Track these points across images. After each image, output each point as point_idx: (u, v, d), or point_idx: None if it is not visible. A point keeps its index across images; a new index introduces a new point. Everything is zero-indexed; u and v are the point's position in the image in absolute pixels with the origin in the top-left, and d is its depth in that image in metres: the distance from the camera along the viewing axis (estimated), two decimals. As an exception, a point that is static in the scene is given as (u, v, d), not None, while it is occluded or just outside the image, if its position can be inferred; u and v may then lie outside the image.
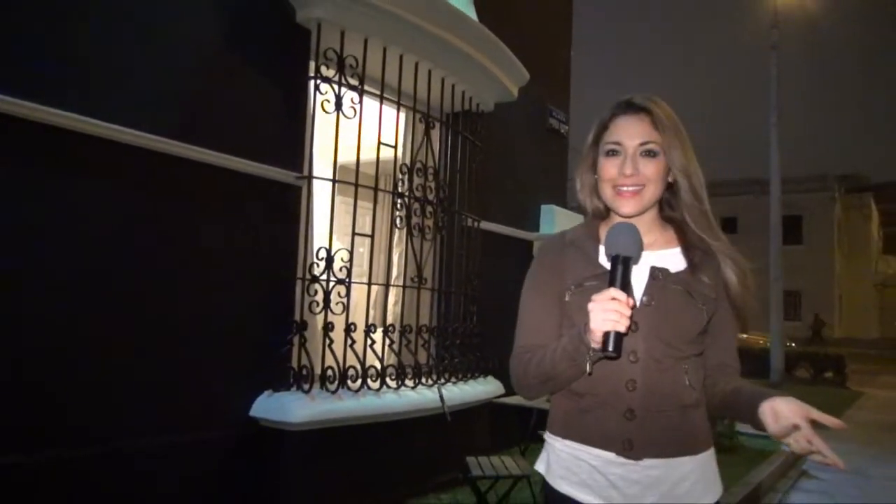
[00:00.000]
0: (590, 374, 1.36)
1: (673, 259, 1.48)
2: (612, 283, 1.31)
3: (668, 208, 1.54)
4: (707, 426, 1.49)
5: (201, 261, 3.47)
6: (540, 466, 1.56)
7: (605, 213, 1.54)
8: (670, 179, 1.48)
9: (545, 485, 1.53)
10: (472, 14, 4.92)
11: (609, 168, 1.45)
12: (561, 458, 1.49)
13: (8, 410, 2.73)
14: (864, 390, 14.49)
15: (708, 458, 1.47)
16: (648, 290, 1.44)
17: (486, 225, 5.20)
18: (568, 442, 1.48)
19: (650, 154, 1.44)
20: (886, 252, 39.15)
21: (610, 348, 1.26)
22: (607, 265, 1.39)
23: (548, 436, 1.55)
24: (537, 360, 1.45)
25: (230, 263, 3.61)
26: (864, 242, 35.27)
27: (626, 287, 1.32)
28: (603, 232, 1.51)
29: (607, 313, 1.26)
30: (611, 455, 1.41)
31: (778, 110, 14.20)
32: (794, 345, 17.64)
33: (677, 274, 1.45)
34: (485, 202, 5.21)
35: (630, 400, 1.40)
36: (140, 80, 3.20)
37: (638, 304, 1.41)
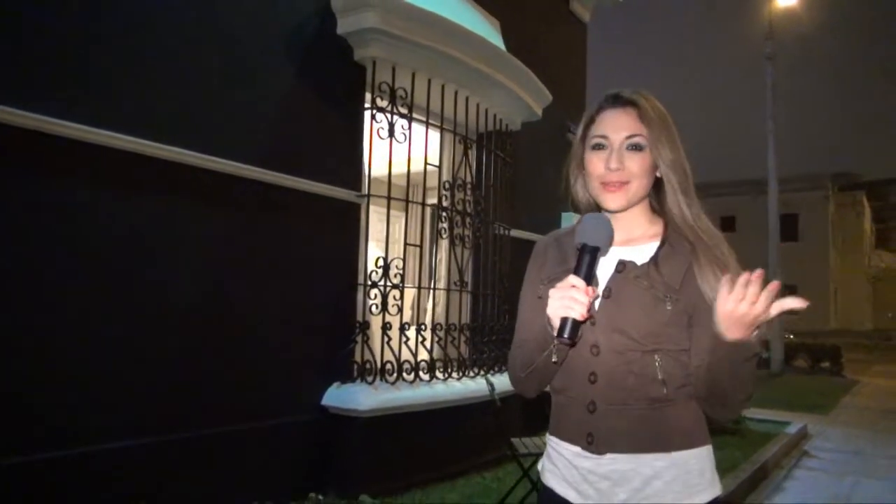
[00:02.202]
0: (554, 361, 1.36)
1: (646, 253, 1.42)
2: (575, 272, 1.30)
3: (658, 203, 1.48)
4: (691, 424, 1.40)
5: (280, 270, 4.00)
6: (539, 465, 1.59)
7: (597, 208, 1.49)
8: (658, 174, 1.43)
9: (540, 481, 1.55)
10: (499, 44, 5.48)
11: (595, 162, 1.42)
12: (550, 454, 1.51)
13: (121, 399, 3.26)
14: (859, 378, 15.13)
15: (688, 457, 1.39)
16: (610, 283, 1.41)
17: (515, 232, 5.74)
18: (552, 438, 1.50)
19: (636, 148, 1.39)
20: (879, 246, 40.04)
21: (565, 335, 1.24)
22: None
23: (548, 434, 1.56)
24: (522, 353, 1.47)
25: (304, 272, 4.14)
26: (857, 238, 36.03)
27: (590, 277, 1.30)
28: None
29: (563, 300, 1.25)
30: (578, 448, 1.41)
31: (773, 118, 14.76)
32: (792, 336, 18.21)
33: (641, 266, 1.40)
34: (514, 212, 5.76)
35: (592, 393, 1.38)
36: (231, 117, 3.73)
37: (600, 298, 1.38)
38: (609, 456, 1.37)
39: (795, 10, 15.85)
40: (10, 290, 2.80)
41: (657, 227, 1.47)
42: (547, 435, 1.54)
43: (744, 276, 1.15)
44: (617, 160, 1.39)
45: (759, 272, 1.15)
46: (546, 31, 6.95)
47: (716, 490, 1.41)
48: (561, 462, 1.46)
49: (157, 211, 3.37)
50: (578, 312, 1.24)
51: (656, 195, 1.48)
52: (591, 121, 1.45)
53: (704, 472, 1.40)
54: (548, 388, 1.53)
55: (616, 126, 1.41)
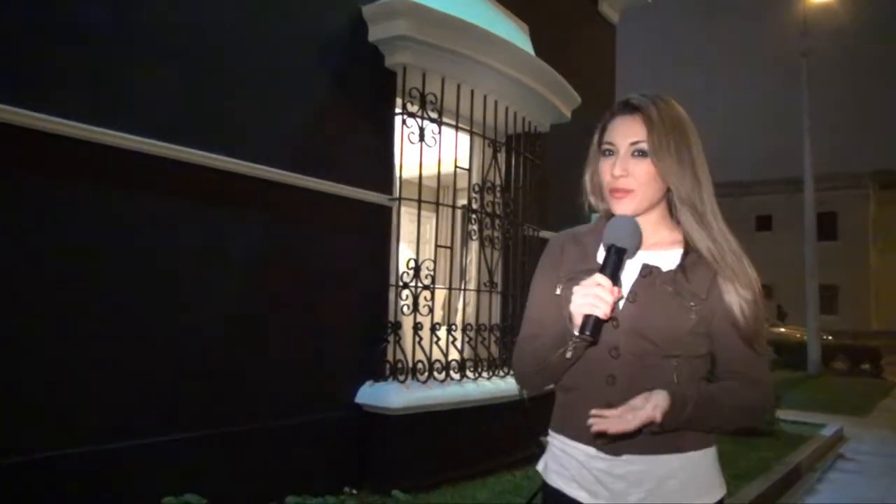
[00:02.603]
0: (569, 357, 1.37)
1: (670, 259, 1.43)
2: (602, 271, 1.31)
3: (675, 209, 1.47)
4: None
5: (315, 271, 4.12)
6: (539, 466, 1.57)
7: (612, 214, 1.48)
8: None
9: (542, 482, 1.54)
10: (528, 48, 5.54)
11: (604, 169, 1.43)
12: (555, 455, 1.50)
13: (167, 396, 3.41)
14: (899, 381, 14.83)
15: (701, 457, 1.42)
16: (635, 287, 1.40)
17: (545, 233, 5.79)
18: (560, 437, 1.49)
19: (641, 154, 1.39)
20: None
21: (587, 332, 1.26)
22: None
23: (549, 432, 1.55)
24: (532, 349, 1.46)
25: (337, 273, 4.25)
26: (899, 237, 35.14)
27: (616, 277, 1.31)
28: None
29: (587, 297, 1.27)
30: (592, 450, 1.40)
31: (809, 115, 14.55)
32: (830, 338, 17.91)
33: (667, 273, 1.41)
34: (543, 213, 5.82)
35: (609, 395, 1.37)
36: (267, 124, 3.85)
37: (622, 301, 1.38)
38: (625, 457, 1.38)
39: (831, 4, 15.59)
40: (61, 291, 2.96)
41: (678, 234, 1.46)
42: (550, 433, 1.53)
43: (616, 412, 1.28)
44: (621, 167, 1.39)
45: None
46: (575, 34, 6.99)
47: (723, 490, 1.45)
48: (571, 463, 1.45)
49: (198, 215, 3.51)
50: (602, 311, 1.26)
51: (671, 201, 1.47)
52: (604, 128, 1.47)
53: (713, 472, 1.44)
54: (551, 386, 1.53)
55: (623, 133, 1.41)
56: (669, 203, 1.46)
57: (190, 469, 3.37)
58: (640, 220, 1.42)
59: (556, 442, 1.50)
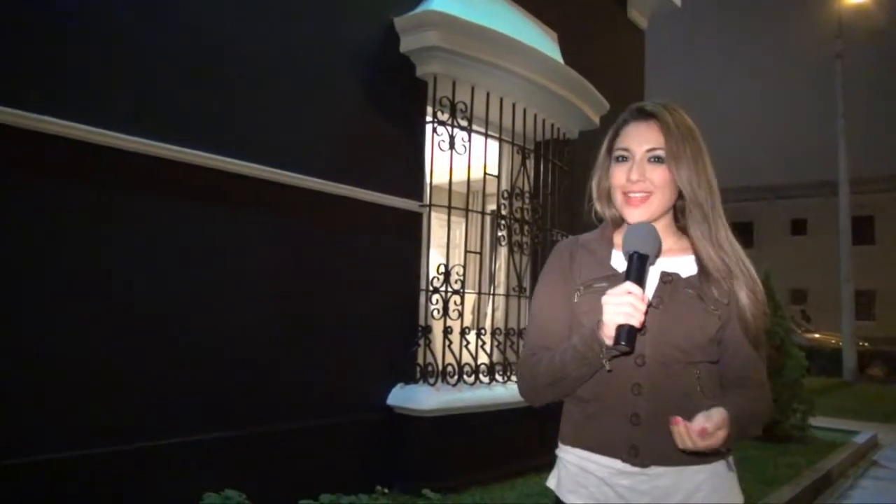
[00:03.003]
0: (609, 371, 1.34)
1: (685, 265, 1.44)
2: (627, 278, 1.30)
3: (682, 217, 1.49)
4: None
5: (348, 276, 4.24)
6: (551, 482, 1.53)
7: (621, 221, 1.51)
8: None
9: (556, 500, 1.49)
10: (557, 55, 5.62)
11: (618, 174, 1.43)
12: (570, 472, 1.45)
13: (207, 396, 3.54)
14: (939, 389, 14.49)
15: (724, 467, 1.41)
16: (658, 293, 1.40)
17: (573, 239, 5.85)
18: (576, 451, 1.44)
19: (658, 160, 1.40)
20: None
21: (623, 342, 1.25)
22: (619, 268, 1.39)
23: (559, 447, 1.51)
24: (546, 361, 1.42)
25: (370, 278, 4.36)
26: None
27: (642, 284, 1.30)
28: (617, 237, 1.48)
29: (621, 307, 1.24)
30: (617, 462, 1.37)
31: (844, 117, 14.36)
32: (866, 344, 17.60)
33: (688, 278, 1.41)
34: (572, 218, 5.87)
35: (636, 404, 1.36)
36: (302, 133, 3.98)
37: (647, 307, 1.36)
38: (652, 471, 1.35)
39: (866, 4, 15.36)
40: (111, 294, 3.11)
41: (684, 241, 1.48)
42: (562, 448, 1.49)
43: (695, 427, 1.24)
44: (638, 172, 1.40)
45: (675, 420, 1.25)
46: (604, 40, 7.04)
47: (741, 498, 1.45)
48: (589, 480, 1.41)
49: (237, 222, 3.65)
50: (637, 319, 1.24)
51: (679, 209, 1.49)
52: (616, 134, 1.48)
53: (734, 481, 1.44)
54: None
55: (639, 139, 1.42)
56: (675, 212, 1.50)
57: (228, 466, 3.50)
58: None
59: (571, 457, 1.46)
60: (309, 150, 4.04)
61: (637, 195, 1.41)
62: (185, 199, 3.41)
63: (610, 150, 1.49)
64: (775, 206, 31.72)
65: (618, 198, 1.45)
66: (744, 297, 1.39)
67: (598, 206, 1.54)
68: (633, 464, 1.36)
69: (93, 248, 3.06)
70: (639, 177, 1.40)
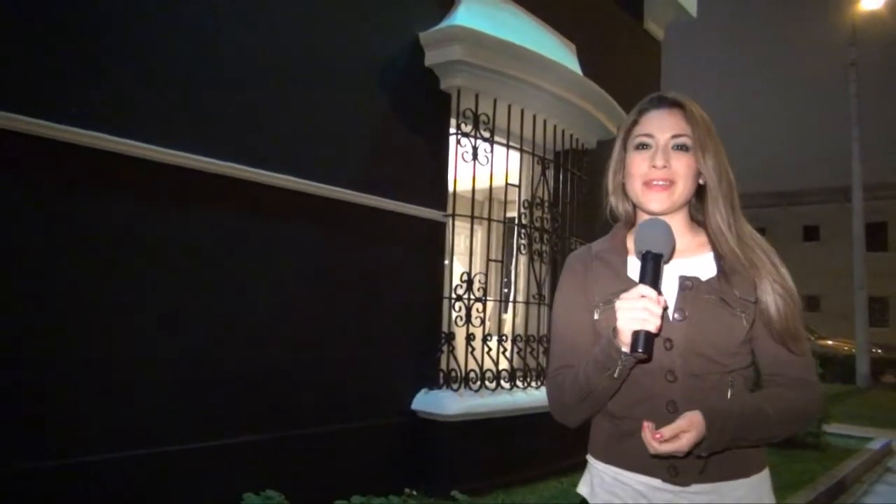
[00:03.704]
0: (616, 377, 1.28)
1: (704, 266, 1.37)
2: (641, 281, 1.24)
3: (696, 212, 1.45)
4: (760, 448, 1.38)
5: (374, 284, 4.36)
6: (583, 489, 1.48)
7: (634, 218, 1.46)
8: (701, 181, 1.39)
9: None
10: (576, 67, 5.73)
11: (638, 162, 1.37)
12: (605, 482, 1.41)
13: (241, 400, 3.67)
14: (954, 396, 14.46)
15: (761, 479, 1.37)
16: (680, 303, 1.32)
17: (591, 247, 5.96)
18: (609, 467, 1.40)
19: (682, 148, 1.35)
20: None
21: (640, 349, 1.19)
22: (636, 277, 1.30)
23: (590, 458, 1.47)
24: (571, 378, 1.37)
25: (395, 286, 4.48)
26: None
27: (657, 285, 1.24)
28: (630, 241, 1.41)
29: (635, 311, 1.19)
30: (656, 482, 1.32)
31: (858, 123, 14.41)
32: (880, 351, 17.58)
33: (709, 282, 1.33)
34: (589, 226, 5.98)
35: (671, 422, 1.25)
36: (330, 145, 4.11)
37: (671, 318, 1.31)
38: (693, 488, 1.30)
39: (881, 13, 15.39)
40: (155, 302, 3.25)
41: (702, 238, 1.42)
42: (593, 460, 1.45)
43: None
44: (663, 158, 1.34)
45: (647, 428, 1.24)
46: (621, 51, 7.15)
47: None
48: (626, 492, 1.36)
49: (273, 232, 3.78)
50: (654, 324, 1.19)
51: (699, 205, 1.44)
52: (634, 123, 1.42)
53: (770, 493, 1.39)
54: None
55: (662, 125, 1.37)
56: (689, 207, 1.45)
57: (260, 469, 3.62)
58: (669, 222, 1.34)
59: (604, 469, 1.41)
60: (339, 162, 4.16)
61: (660, 183, 1.35)
62: (224, 211, 3.55)
63: (626, 141, 1.43)
64: (787, 212, 31.68)
65: (636, 187, 1.38)
66: (769, 291, 1.32)
67: (612, 201, 1.49)
68: (673, 483, 1.30)
69: (140, 258, 3.20)
70: (664, 162, 1.34)
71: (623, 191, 1.46)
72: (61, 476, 2.88)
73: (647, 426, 1.23)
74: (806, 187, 31.08)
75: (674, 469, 1.30)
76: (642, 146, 1.38)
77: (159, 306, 3.27)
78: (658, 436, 1.21)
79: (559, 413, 1.45)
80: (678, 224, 1.39)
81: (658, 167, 1.34)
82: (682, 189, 1.36)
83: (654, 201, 1.35)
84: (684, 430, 1.21)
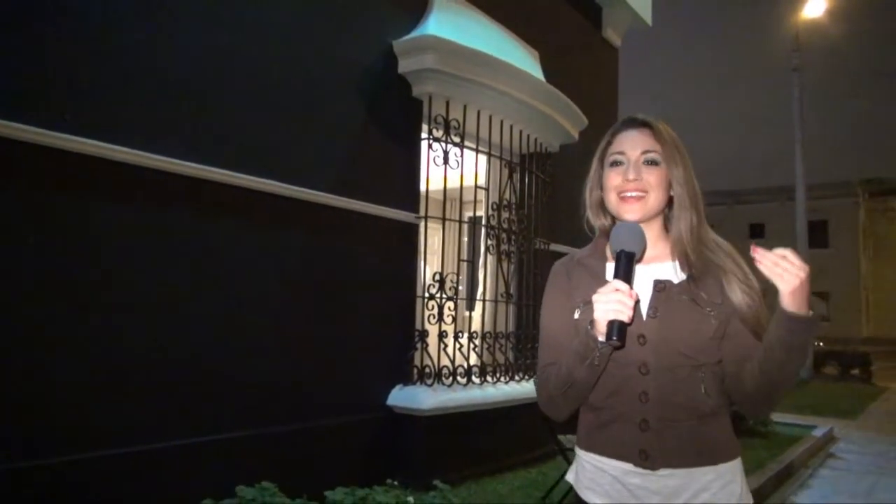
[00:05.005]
0: (597, 364, 1.39)
1: (678, 270, 1.50)
2: (615, 277, 1.36)
3: (669, 222, 1.55)
4: (731, 435, 1.50)
5: (349, 284, 4.50)
6: (570, 476, 1.62)
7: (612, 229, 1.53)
8: (672, 193, 1.51)
9: (574, 495, 1.58)
10: (539, 73, 5.96)
11: (613, 177, 1.50)
12: (586, 470, 1.53)
13: (224, 398, 3.78)
14: (889, 385, 15.34)
15: (731, 468, 1.47)
16: (653, 303, 1.46)
17: (554, 246, 6.20)
18: (591, 455, 1.52)
19: (652, 163, 1.48)
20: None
21: (614, 337, 1.31)
22: None
23: (576, 448, 1.60)
24: (556, 371, 1.49)
25: (370, 286, 4.63)
26: (889, 244, 35.72)
27: (630, 281, 1.36)
28: (609, 251, 1.54)
29: (610, 304, 1.31)
30: (628, 466, 1.44)
31: (801, 127, 15.06)
32: (821, 344, 18.38)
33: (680, 284, 1.47)
34: (553, 226, 6.22)
35: (644, 411, 1.42)
36: (305, 148, 4.22)
37: (644, 317, 1.45)
38: (662, 471, 1.42)
39: (822, 21, 16.11)
40: (136, 304, 3.34)
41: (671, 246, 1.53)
42: (578, 450, 1.58)
43: (778, 252, 1.26)
44: (635, 172, 1.47)
45: (754, 246, 1.29)
46: (581, 58, 7.42)
47: (750, 499, 1.50)
48: (604, 479, 1.49)
49: (249, 234, 3.89)
50: (626, 315, 1.31)
51: (671, 215, 1.54)
52: (609, 143, 1.56)
53: (742, 483, 1.48)
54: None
55: (633, 143, 1.51)
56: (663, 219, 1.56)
57: (246, 464, 3.73)
58: (645, 231, 1.47)
59: (586, 458, 1.54)
60: (315, 165, 4.29)
61: (633, 194, 1.48)
62: (207, 215, 3.65)
63: (602, 160, 1.57)
64: (734, 210, 32.76)
65: (612, 200, 1.51)
66: (736, 290, 1.44)
67: (590, 215, 1.61)
68: (644, 467, 1.42)
69: (123, 260, 3.29)
70: (635, 176, 1.47)
71: (600, 205, 1.59)
72: (69, 470, 2.96)
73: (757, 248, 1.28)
74: (752, 187, 32.19)
75: (644, 454, 1.42)
76: (616, 163, 1.51)
77: (144, 308, 3.36)
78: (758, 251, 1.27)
79: (547, 406, 1.57)
80: (652, 232, 1.52)
81: (631, 180, 1.47)
82: (654, 199, 1.49)
83: (629, 211, 1.48)
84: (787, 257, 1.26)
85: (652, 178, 1.48)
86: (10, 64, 2.89)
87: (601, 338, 1.34)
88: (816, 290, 22.13)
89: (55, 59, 3.04)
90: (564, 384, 1.46)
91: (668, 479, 1.42)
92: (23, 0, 2.95)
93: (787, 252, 1.26)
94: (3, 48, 2.88)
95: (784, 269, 1.25)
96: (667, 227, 1.56)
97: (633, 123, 1.54)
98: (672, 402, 1.41)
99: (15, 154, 2.88)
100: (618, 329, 1.31)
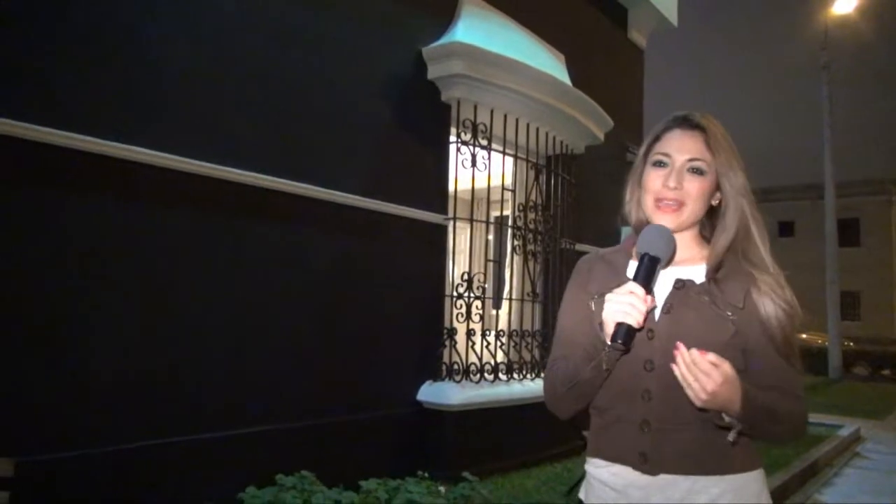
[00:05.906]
0: (606, 369, 1.33)
1: (701, 273, 1.41)
2: (634, 279, 1.30)
3: (704, 229, 1.47)
4: (746, 445, 1.37)
5: (381, 284, 4.66)
6: (581, 493, 1.54)
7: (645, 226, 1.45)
8: (714, 202, 1.42)
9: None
10: (565, 77, 6.08)
11: (653, 179, 1.41)
12: (591, 485, 1.46)
13: (257, 391, 3.96)
14: (921, 387, 15.10)
15: (746, 481, 1.36)
16: (669, 299, 1.37)
17: (580, 246, 6.31)
18: (595, 460, 1.44)
19: (697, 171, 1.38)
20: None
21: (619, 340, 1.24)
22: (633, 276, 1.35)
23: (587, 461, 1.50)
24: (563, 367, 1.43)
25: (400, 285, 4.79)
26: (924, 242, 35.13)
27: (649, 286, 1.29)
28: (636, 250, 1.45)
29: (620, 304, 1.25)
30: (629, 471, 1.36)
31: (830, 125, 14.95)
32: (851, 344, 18.20)
33: (701, 283, 1.38)
34: (578, 227, 6.33)
35: (645, 411, 1.34)
36: (338, 154, 4.39)
37: (657, 314, 1.36)
38: (662, 479, 1.33)
39: (851, 17, 15.95)
40: (185, 304, 3.54)
41: (706, 252, 1.44)
42: (587, 465, 1.49)
43: (700, 357, 1.22)
44: (676, 179, 1.38)
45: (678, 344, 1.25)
46: (606, 60, 7.52)
47: None
48: (607, 494, 1.41)
49: (284, 236, 4.07)
50: (635, 319, 1.24)
51: (709, 223, 1.46)
52: (657, 138, 1.45)
53: (761, 497, 1.38)
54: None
55: (681, 147, 1.40)
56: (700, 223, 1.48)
57: (281, 456, 3.91)
58: (676, 236, 1.39)
59: (592, 468, 1.46)
60: (347, 169, 4.45)
61: (670, 203, 1.39)
62: (245, 217, 3.84)
63: (646, 155, 1.46)
64: (763, 208, 32.20)
65: (649, 203, 1.43)
66: (769, 301, 1.34)
67: (629, 209, 1.52)
68: (643, 471, 1.34)
69: (178, 263, 3.49)
70: (676, 184, 1.38)
71: (639, 200, 1.48)
72: (121, 460, 3.16)
73: (680, 346, 1.24)
74: (781, 184, 31.82)
75: (643, 457, 1.33)
76: (659, 164, 1.42)
77: (191, 306, 3.55)
78: (703, 353, 1.22)
79: (550, 401, 1.51)
80: (685, 238, 1.44)
81: (670, 188, 1.38)
82: (691, 211, 1.40)
83: (663, 221, 1.39)
84: (725, 371, 1.22)
85: (693, 188, 1.39)
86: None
87: (607, 339, 1.28)
88: (847, 289, 21.92)
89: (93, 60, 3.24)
90: (570, 381, 1.40)
91: (669, 488, 1.32)
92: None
93: (711, 359, 1.22)
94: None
95: (696, 376, 1.21)
96: (702, 233, 1.48)
97: (686, 123, 1.43)
98: (676, 402, 1.30)
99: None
100: (625, 333, 1.25)
